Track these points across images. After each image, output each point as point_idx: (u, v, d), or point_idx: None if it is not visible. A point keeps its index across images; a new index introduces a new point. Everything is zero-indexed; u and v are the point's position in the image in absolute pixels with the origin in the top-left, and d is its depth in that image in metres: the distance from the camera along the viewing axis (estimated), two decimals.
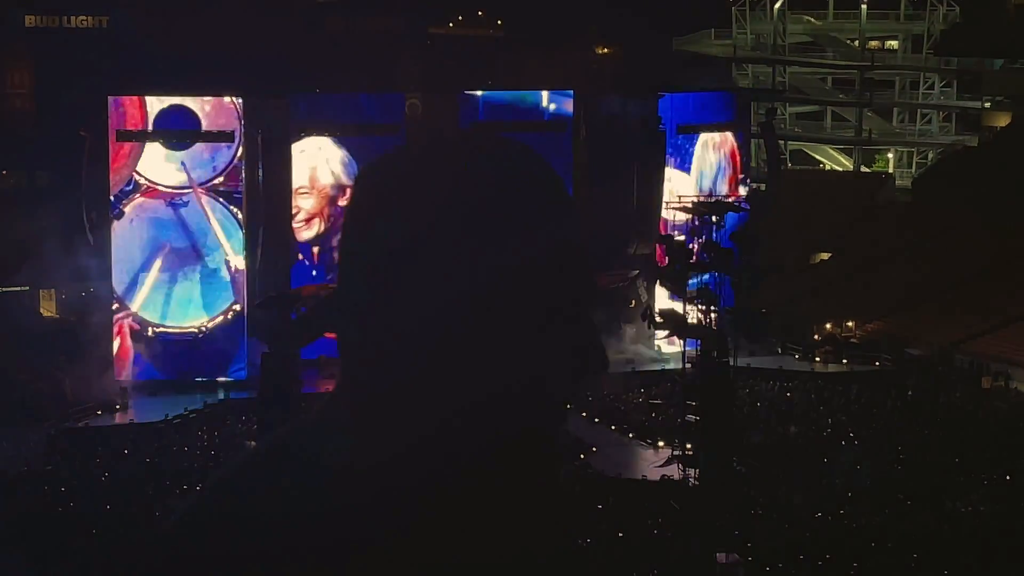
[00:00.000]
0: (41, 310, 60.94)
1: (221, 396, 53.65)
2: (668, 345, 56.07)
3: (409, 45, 77.25)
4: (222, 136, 56.35)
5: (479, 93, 61.92)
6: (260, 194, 56.51)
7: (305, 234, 58.78)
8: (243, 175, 56.31)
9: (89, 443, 47.46)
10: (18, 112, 76.16)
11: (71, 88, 61.14)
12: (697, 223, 51.44)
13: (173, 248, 56.35)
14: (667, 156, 61.17)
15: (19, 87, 76.39)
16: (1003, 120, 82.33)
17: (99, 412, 51.38)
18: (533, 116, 61.59)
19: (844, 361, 58.91)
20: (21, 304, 58.76)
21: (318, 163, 58.90)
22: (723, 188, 62.14)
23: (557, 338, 2.13)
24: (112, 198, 55.91)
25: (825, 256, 72.70)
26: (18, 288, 59.08)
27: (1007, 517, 39.68)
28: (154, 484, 42.27)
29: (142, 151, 56.34)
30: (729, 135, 63.43)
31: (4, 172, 73.05)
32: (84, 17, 76.15)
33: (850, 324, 62.38)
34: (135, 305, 56.04)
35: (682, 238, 48.99)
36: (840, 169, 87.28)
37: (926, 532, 38.24)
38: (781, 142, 77.58)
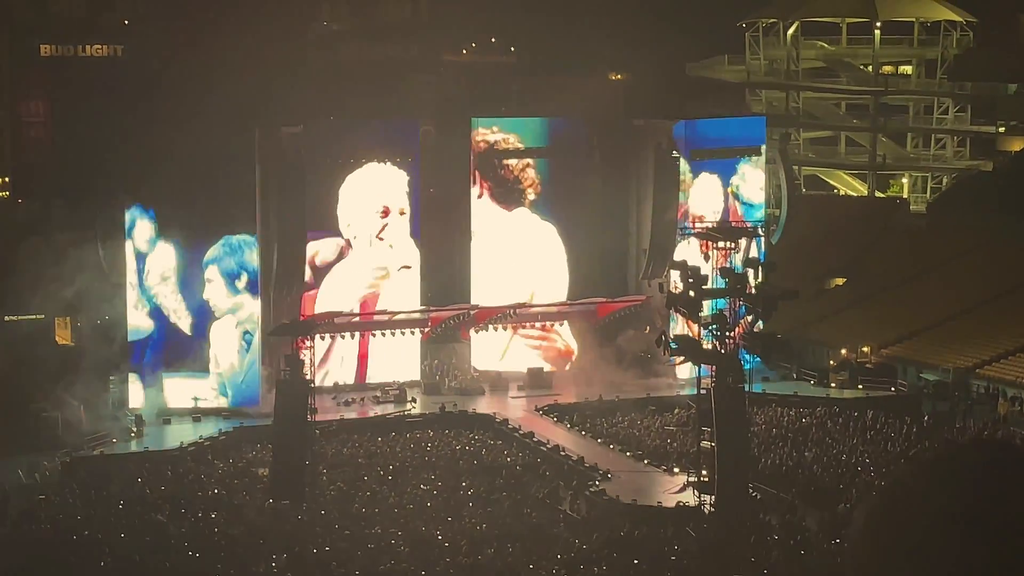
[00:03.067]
0: (56, 338, 60.96)
1: (236, 423, 53.56)
2: (683, 371, 56.00)
3: (423, 72, 77.41)
4: None
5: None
6: (275, 222, 56.54)
7: (319, 261, 58.78)
8: (258, 204, 56.30)
9: (104, 471, 47.47)
10: (34, 141, 76.47)
11: (87, 117, 61.31)
12: (711, 248, 51.42)
13: (175, 275, 56.28)
14: (680, 181, 61.11)
15: (35, 116, 76.73)
16: (1017, 144, 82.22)
17: (114, 440, 51.41)
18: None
19: (860, 386, 58.70)
20: (36, 332, 58.79)
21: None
22: (737, 214, 62.03)
23: None
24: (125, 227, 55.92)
25: (840, 281, 72.55)
26: (33, 316, 59.10)
27: None
28: (169, 511, 42.24)
29: None
30: (744, 160, 63.29)
31: (20, 200, 73.27)
32: (99, 46, 76.48)
33: (865, 349, 62.19)
34: (148, 333, 56.09)
35: (696, 264, 48.90)
36: (854, 194, 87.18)
37: None
38: (795, 167, 77.50)
